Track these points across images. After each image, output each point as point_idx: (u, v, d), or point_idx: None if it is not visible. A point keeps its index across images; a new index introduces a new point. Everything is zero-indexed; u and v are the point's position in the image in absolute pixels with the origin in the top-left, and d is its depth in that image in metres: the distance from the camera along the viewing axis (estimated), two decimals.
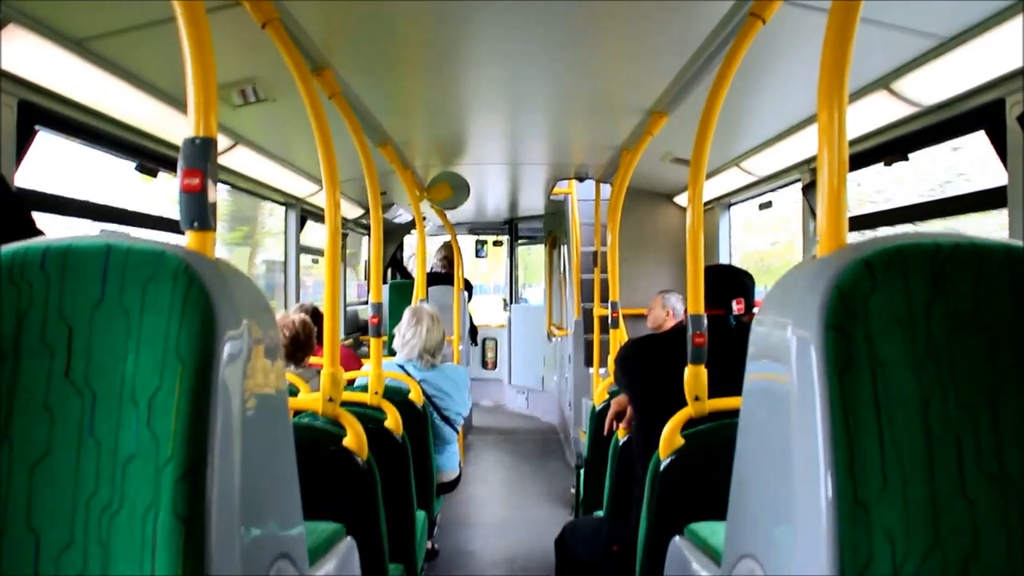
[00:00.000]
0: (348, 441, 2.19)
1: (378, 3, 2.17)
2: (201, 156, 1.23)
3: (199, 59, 1.26)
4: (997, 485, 0.92)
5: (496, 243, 9.88)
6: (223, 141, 3.33)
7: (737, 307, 2.34)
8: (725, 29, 2.19)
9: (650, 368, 2.39)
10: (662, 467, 2.01)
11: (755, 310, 2.41)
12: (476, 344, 9.13)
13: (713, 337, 2.12)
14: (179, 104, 2.65)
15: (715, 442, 1.98)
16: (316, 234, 5.54)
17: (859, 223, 3.28)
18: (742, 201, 5.05)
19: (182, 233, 1.22)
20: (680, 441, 2.01)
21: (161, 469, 0.96)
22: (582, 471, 3.73)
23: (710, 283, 2.21)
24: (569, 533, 2.99)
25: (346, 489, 2.19)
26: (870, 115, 2.74)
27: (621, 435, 2.75)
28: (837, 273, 0.98)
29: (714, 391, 2.08)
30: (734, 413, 1.31)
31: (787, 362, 1.02)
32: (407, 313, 3.61)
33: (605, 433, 2.78)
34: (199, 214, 1.21)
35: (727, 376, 2.06)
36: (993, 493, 0.92)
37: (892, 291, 0.96)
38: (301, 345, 3.56)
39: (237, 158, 3.62)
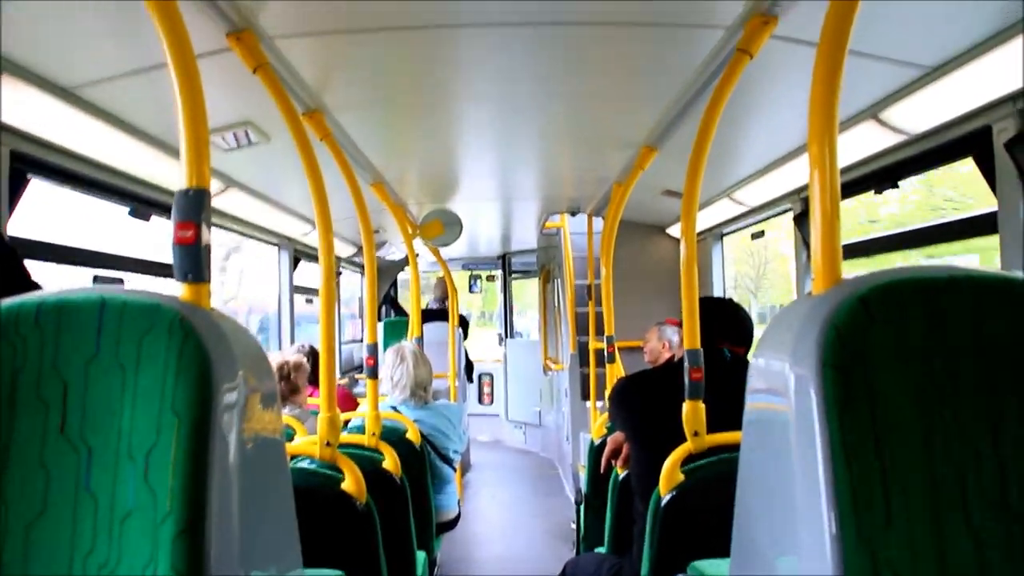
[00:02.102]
0: (347, 485, 2.17)
1: (369, 45, 2.19)
2: (195, 208, 1.22)
3: (190, 109, 1.26)
4: (1002, 518, 0.91)
5: (489, 278, 9.89)
6: (215, 184, 3.33)
7: (736, 351, 2.34)
8: (713, 63, 2.21)
9: (645, 404, 2.37)
10: (663, 503, 1.99)
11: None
12: (472, 381, 9.09)
13: (709, 371, 2.11)
14: (171, 149, 2.66)
15: (715, 477, 1.96)
16: (309, 274, 5.54)
17: (851, 251, 3.29)
18: (734, 231, 5.07)
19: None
20: (680, 477, 1.99)
21: (159, 525, 0.95)
22: (582, 507, 3.69)
23: (707, 317, 2.20)
24: (571, 570, 2.95)
25: (345, 533, 2.16)
26: (859, 144, 2.76)
27: (620, 471, 2.73)
28: (833, 311, 0.98)
29: (712, 426, 2.07)
30: (734, 448, 1.30)
31: (787, 400, 1.01)
32: (389, 354, 3.58)
33: (602, 471, 2.76)
34: (193, 266, 1.20)
35: (725, 410, 2.05)
36: (998, 527, 0.91)
37: (889, 327, 0.96)
38: (293, 386, 3.55)
39: (229, 200, 3.62)
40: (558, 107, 2.95)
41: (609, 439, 2.72)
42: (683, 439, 2.05)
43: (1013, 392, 0.95)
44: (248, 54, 1.89)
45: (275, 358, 3.67)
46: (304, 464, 2.33)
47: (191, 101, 1.26)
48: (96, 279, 2.81)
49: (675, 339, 4.40)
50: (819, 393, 0.94)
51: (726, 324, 2.35)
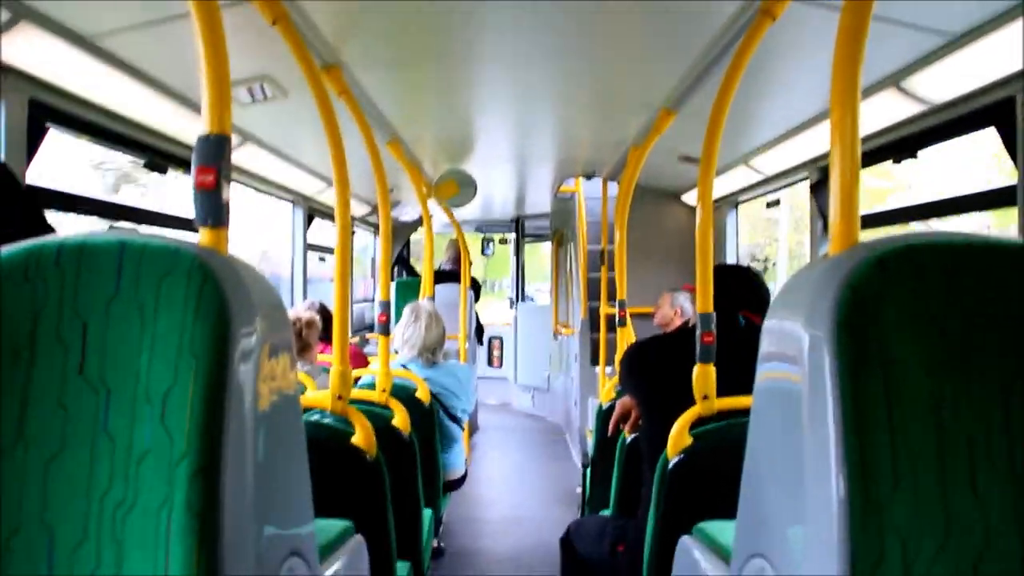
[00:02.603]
0: (357, 439, 2.19)
1: (388, 1, 2.17)
2: (215, 153, 1.23)
3: (213, 56, 1.26)
4: (1009, 484, 0.91)
5: (502, 241, 9.88)
6: (232, 139, 3.32)
7: (753, 319, 2.34)
8: (735, 26, 2.18)
9: (656, 369, 2.38)
10: (670, 466, 2.01)
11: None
12: (482, 343, 9.13)
13: (723, 337, 2.12)
14: (189, 102, 2.66)
15: (724, 441, 1.97)
16: (322, 232, 5.55)
17: (867, 222, 3.27)
18: (750, 199, 5.04)
19: (195, 231, 1.22)
20: (688, 440, 2.01)
21: (175, 465, 0.96)
22: (588, 470, 3.72)
23: (721, 283, 2.20)
24: (574, 532, 2.99)
25: (355, 486, 2.19)
26: (880, 113, 2.73)
27: (627, 435, 2.75)
28: (850, 271, 0.97)
29: (724, 392, 2.08)
30: (743, 412, 1.31)
31: (799, 361, 1.01)
32: (406, 311, 3.61)
33: (610, 434, 2.77)
34: (213, 211, 1.21)
35: (738, 377, 2.06)
36: (1005, 492, 0.91)
37: (905, 289, 0.96)
38: (304, 343, 3.58)
39: (245, 155, 3.62)
40: (576, 68, 2.92)
41: (618, 403, 2.73)
42: (694, 404, 2.07)
43: None
44: (267, 6, 1.88)
45: (288, 315, 3.69)
46: (315, 417, 2.37)
47: (213, 45, 1.26)
48: (111, 228, 2.83)
49: (687, 306, 4.40)
50: (833, 354, 0.94)
51: (742, 291, 2.35)
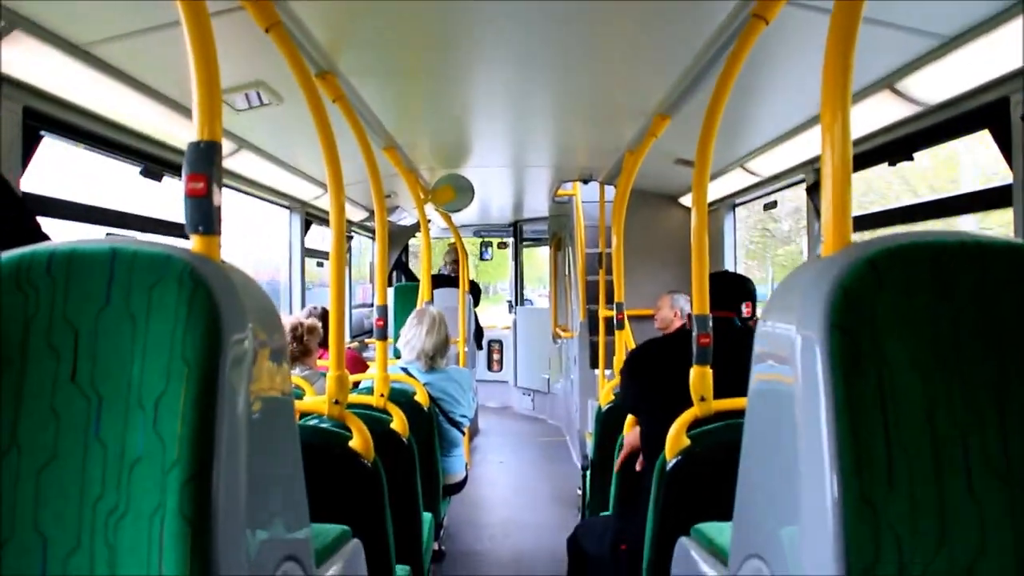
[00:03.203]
0: (354, 443, 2.19)
1: (382, 6, 2.17)
2: (206, 160, 1.23)
3: (203, 63, 1.26)
4: (1004, 484, 0.91)
5: (501, 245, 9.88)
6: (227, 145, 3.33)
7: (746, 310, 2.36)
8: (728, 30, 2.19)
9: (655, 371, 2.39)
10: (668, 467, 2.01)
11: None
12: (482, 348, 9.13)
13: (719, 339, 2.12)
14: (183, 109, 2.66)
15: (721, 442, 1.98)
16: (320, 237, 5.55)
17: (862, 223, 3.28)
18: (746, 201, 5.04)
19: (188, 237, 1.23)
20: (686, 442, 2.01)
21: (168, 472, 0.97)
22: (588, 472, 3.72)
23: (718, 287, 2.22)
24: (581, 531, 3.02)
25: (352, 491, 2.19)
26: (874, 115, 2.73)
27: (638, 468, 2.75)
28: (842, 272, 0.97)
29: (721, 393, 2.08)
30: (740, 413, 1.31)
31: (792, 362, 1.01)
32: (413, 315, 3.61)
33: (616, 469, 2.78)
34: (204, 218, 1.21)
35: (734, 378, 2.06)
36: (1000, 492, 0.91)
37: (897, 290, 0.96)
38: (305, 348, 3.58)
39: (241, 162, 3.62)
40: (571, 73, 2.92)
41: (625, 442, 2.74)
42: (690, 404, 2.07)
43: (1018, 358, 0.95)
44: (261, 13, 1.88)
45: (289, 320, 3.70)
46: (313, 422, 2.36)
47: (203, 55, 1.26)
48: (108, 236, 2.83)
49: (687, 307, 4.40)
50: (825, 355, 0.94)
51: (737, 290, 2.37)
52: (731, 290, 2.36)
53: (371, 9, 2.20)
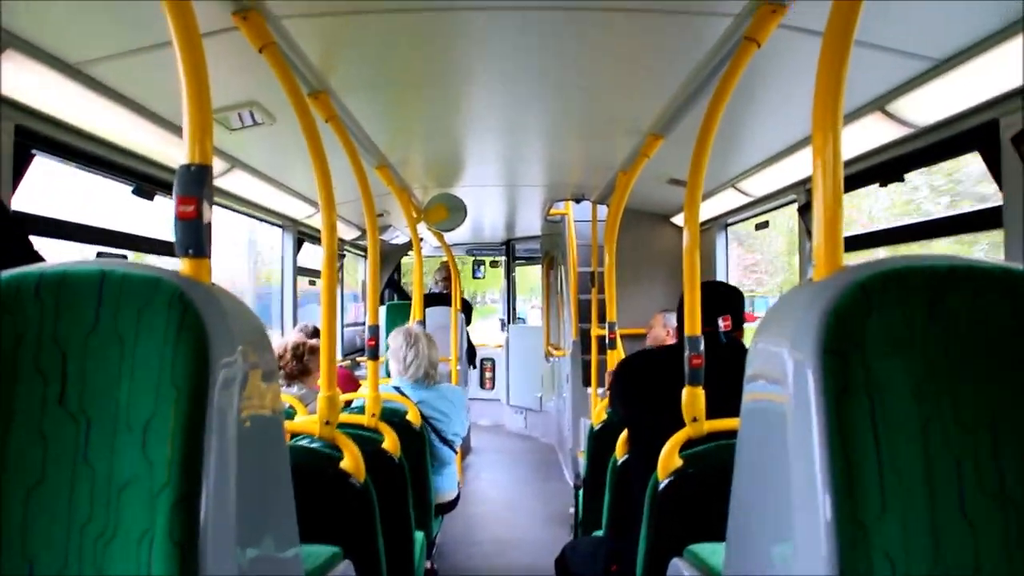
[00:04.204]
0: (345, 463, 2.18)
1: (375, 26, 2.19)
2: (196, 183, 1.23)
3: (195, 85, 1.26)
4: (998, 507, 0.91)
5: (493, 264, 9.89)
6: (220, 164, 3.33)
7: (724, 324, 2.32)
8: (720, 52, 2.20)
9: (644, 388, 2.38)
10: (660, 488, 2.01)
11: (747, 324, 2.40)
12: (475, 366, 9.12)
13: (706, 354, 2.11)
14: (176, 128, 2.66)
15: (713, 463, 1.97)
16: (313, 256, 5.55)
17: (854, 243, 3.29)
18: (738, 221, 5.06)
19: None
20: (678, 462, 2.00)
21: (156, 495, 0.96)
22: (581, 491, 3.71)
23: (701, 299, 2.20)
24: (570, 552, 2.99)
25: (344, 512, 2.18)
26: (865, 136, 2.75)
27: (620, 455, 2.74)
28: (833, 297, 0.98)
29: (709, 410, 2.07)
30: (732, 434, 1.31)
31: (784, 385, 1.01)
32: (399, 336, 3.60)
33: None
34: (194, 241, 1.21)
35: (721, 395, 2.06)
36: (994, 515, 0.91)
37: (889, 314, 0.96)
38: (305, 368, 3.57)
39: (233, 181, 3.62)
40: (564, 93, 2.94)
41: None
42: (682, 423, 2.06)
43: (1012, 382, 0.95)
44: (254, 33, 1.89)
45: (288, 339, 3.69)
46: (304, 443, 2.35)
47: (195, 77, 1.27)
48: (100, 255, 2.82)
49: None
50: (817, 379, 0.95)
51: (717, 302, 2.34)
52: (709, 304, 2.27)
53: (364, 29, 2.21)
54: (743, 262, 8.75)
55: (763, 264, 8.83)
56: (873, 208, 5.16)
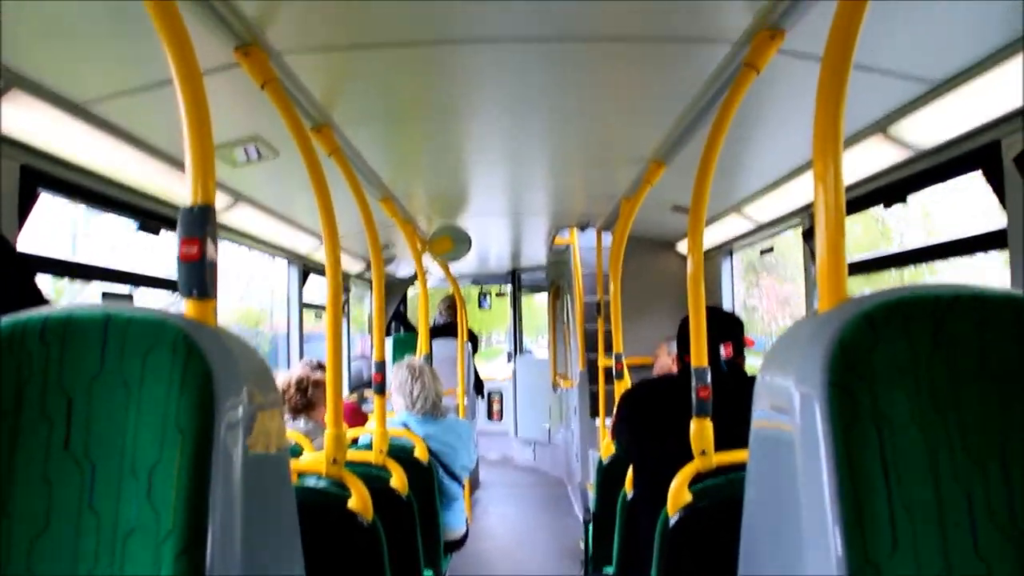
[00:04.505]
0: (353, 503, 2.16)
1: (377, 60, 2.20)
2: (199, 224, 1.23)
3: (196, 126, 1.27)
4: (1010, 539, 0.90)
5: (499, 294, 9.89)
6: (224, 199, 3.35)
7: (725, 351, 2.30)
8: (720, 79, 2.21)
9: (647, 417, 2.36)
10: (671, 524, 1.98)
11: (747, 349, 2.38)
12: (483, 397, 9.07)
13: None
14: (180, 164, 2.68)
15: (724, 497, 1.95)
16: (320, 289, 5.55)
17: (859, 268, 3.28)
18: (744, 247, 5.06)
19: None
20: (688, 497, 1.98)
21: (161, 543, 0.95)
22: (591, 526, 3.66)
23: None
24: None
25: (352, 551, 2.15)
26: (867, 159, 2.75)
27: (629, 489, 2.71)
28: (839, 329, 0.97)
29: (714, 439, 2.05)
30: (741, 467, 1.30)
31: (792, 418, 1.01)
32: (403, 371, 3.57)
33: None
34: (198, 282, 1.21)
35: (725, 423, 2.04)
36: (1006, 548, 0.90)
37: (894, 345, 0.96)
38: (309, 402, 3.55)
39: (238, 215, 3.64)
40: (566, 122, 2.95)
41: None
42: (687, 454, 2.04)
43: (1020, 410, 0.94)
44: (256, 69, 1.90)
45: (293, 372, 3.68)
46: (311, 482, 2.33)
47: (197, 117, 1.27)
48: (105, 295, 2.82)
49: None
50: (824, 412, 0.94)
51: (719, 329, 2.31)
52: (710, 330, 2.18)
53: (366, 63, 2.23)
54: (778, 294, 8.44)
55: (797, 297, 8.32)
56: None
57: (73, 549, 0.96)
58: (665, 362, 4.43)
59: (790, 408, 1.01)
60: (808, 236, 3.78)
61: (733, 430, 1.99)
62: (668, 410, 2.23)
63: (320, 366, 4.18)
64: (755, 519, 1.19)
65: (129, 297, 2.99)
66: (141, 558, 0.95)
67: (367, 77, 2.36)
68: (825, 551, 0.90)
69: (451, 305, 7.39)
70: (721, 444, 2.04)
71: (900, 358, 0.95)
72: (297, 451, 2.91)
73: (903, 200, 2.84)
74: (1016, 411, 0.94)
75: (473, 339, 7.67)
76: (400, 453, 3.06)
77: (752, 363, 2.38)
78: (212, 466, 0.98)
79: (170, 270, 3.29)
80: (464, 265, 7.18)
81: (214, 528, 0.97)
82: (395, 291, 8.19)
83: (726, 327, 2.36)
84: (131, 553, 0.95)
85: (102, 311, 1.05)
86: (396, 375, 3.57)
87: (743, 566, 1.23)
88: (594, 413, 5.64)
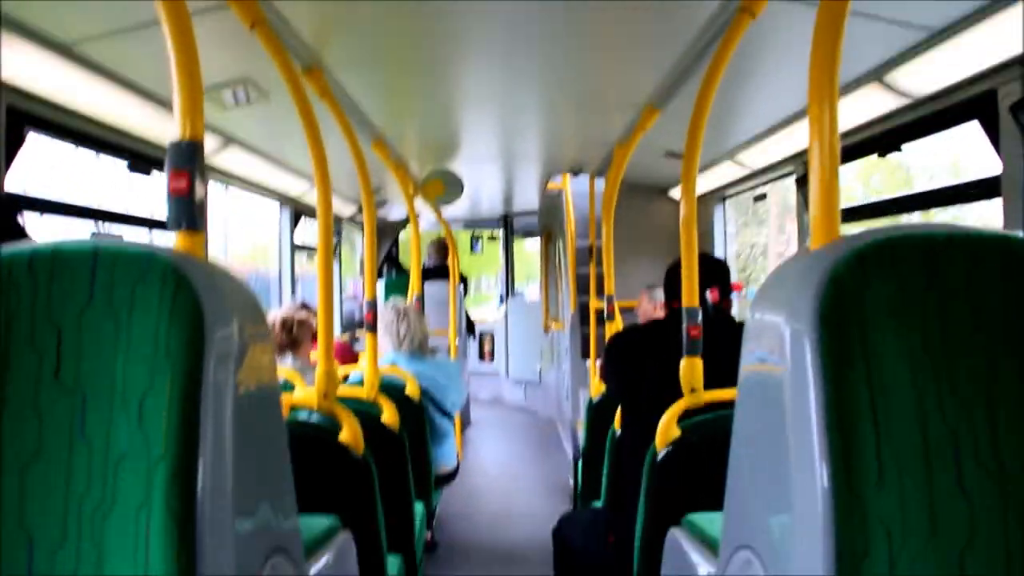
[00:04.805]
0: (344, 436, 2.19)
1: (369, 3, 2.16)
2: (188, 158, 1.23)
3: (184, 62, 1.26)
4: (994, 477, 0.92)
5: (491, 238, 9.88)
6: (214, 141, 3.32)
7: (711, 296, 2.33)
8: (715, 24, 2.18)
9: (635, 359, 2.39)
10: (659, 458, 2.02)
11: (734, 295, 2.41)
12: (474, 337, 9.14)
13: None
14: (168, 105, 2.65)
15: (712, 433, 1.98)
16: (312, 231, 5.54)
17: (852, 215, 3.29)
18: (737, 194, 5.05)
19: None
20: (677, 432, 2.02)
21: (153, 467, 0.97)
22: (580, 462, 3.74)
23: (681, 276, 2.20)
24: (566, 524, 3.01)
25: (343, 484, 2.19)
26: (863, 107, 2.73)
27: (619, 427, 2.76)
28: (830, 265, 0.97)
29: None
30: (730, 404, 1.32)
31: (781, 354, 1.01)
32: (390, 312, 3.63)
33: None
34: (187, 216, 1.22)
35: (713, 367, 2.07)
36: (990, 485, 0.92)
37: (886, 283, 0.96)
38: (295, 339, 3.57)
39: (228, 158, 3.61)
40: (560, 66, 2.92)
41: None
42: (675, 395, 2.08)
43: (1008, 352, 0.95)
44: (245, 10, 1.87)
45: (278, 312, 3.70)
46: (303, 416, 2.36)
47: (184, 56, 1.26)
48: (94, 235, 2.81)
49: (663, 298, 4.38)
50: (815, 349, 0.95)
51: (706, 274, 2.32)
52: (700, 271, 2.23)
53: (358, 6, 2.19)
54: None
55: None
56: None
57: (65, 476, 0.98)
58: (647, 308, 4.46)
59: (780, 345, 1.02)
60: (801, 183, 3.77)
61: (719, 374, 2.03)
62: (657, 352, 2.26)
63: (305, 306, 4.20)
64: (742, 452, 1.21)
65: (119, 238, 2.99)
66: (133, 482, 0.97)
67: (358, 19, 2.32)
68: (811, 483, 0.92)
69: (440, 248, 7.38)
70: (708, 387, 2.08)
71: (891, 296, 0.95)
72: (289, 387, 2.95)
73: (898, 148, 2.84)
74: (1004, 351, 0.95)
75: (464, 282, 7.70)
76: (391, 391, 3.10)
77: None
78: (202, 395, 0.99)
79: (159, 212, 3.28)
80: (456, 209, 7.16)
81: (205, 454, 0.99)
82: (387, 234, 8.17)
83: (713, 272, 2.38)
84: (123, 477, 0.97)
85: (90, 244, 1.05)
86: (382, 317, 3.61)
87: (729, 498, 1.25)
88: (585, 354, 5.69)
